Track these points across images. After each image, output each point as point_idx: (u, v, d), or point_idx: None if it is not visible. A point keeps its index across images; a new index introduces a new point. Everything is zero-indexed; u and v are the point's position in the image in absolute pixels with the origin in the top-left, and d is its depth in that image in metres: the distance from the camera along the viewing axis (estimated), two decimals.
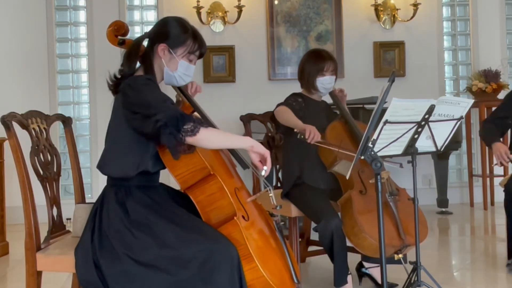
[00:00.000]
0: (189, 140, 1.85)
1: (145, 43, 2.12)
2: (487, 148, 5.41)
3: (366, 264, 3.00)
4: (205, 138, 1.88)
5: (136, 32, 5.38)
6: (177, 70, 2.07)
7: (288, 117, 2.81)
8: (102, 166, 2.02)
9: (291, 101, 2.94)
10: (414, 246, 2.52)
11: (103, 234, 1.92)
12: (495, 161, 3.18)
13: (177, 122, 1.83)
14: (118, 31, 2.13)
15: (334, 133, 2.86)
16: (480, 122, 5.40)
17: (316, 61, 2.97)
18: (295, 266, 2.02)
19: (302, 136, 2.67)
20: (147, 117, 1.85)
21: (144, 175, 1.99)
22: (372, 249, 2.56)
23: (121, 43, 2.14)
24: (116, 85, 2.02)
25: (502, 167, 5.38)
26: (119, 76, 2.03)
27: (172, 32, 2.05)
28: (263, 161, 1.96)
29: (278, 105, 2.94)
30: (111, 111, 2.05)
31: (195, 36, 2.08)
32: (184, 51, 2.06)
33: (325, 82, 2.96)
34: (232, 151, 2.17)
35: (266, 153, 1.95)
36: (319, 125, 2.83)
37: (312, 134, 2.66)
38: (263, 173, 1.95)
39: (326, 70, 2.95)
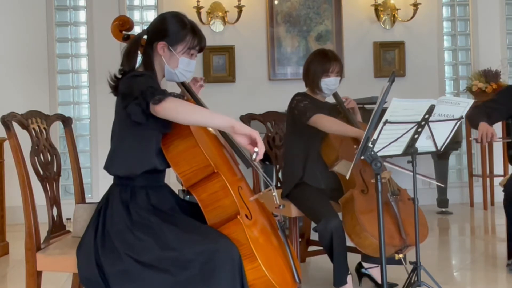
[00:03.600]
0: (156, 109, 1.79)
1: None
2: (487, 148, 5.43)
3: (365, 265, 3.00)
4: (172, 108, 1.79)
5: (136, 32, 5.35)
6: (178, 67, 2.05)
7: (345, 128, 2.74)
8: (108, 166, 2.01)
9: (309, 105, 2.88)
10: (414, 246, 2.52)
11: (105, 233, 1.92)
12: (473, 136, 3.17)
13: (146, 93, 1.80)
14: (123, 26, 2.12)
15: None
16: None
17: (322, 62, 2.96)
18: (297, 265, 2.02)
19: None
20: (130, 101, 1.84)
21: (150, 174, 1.98)
22: (373, 248, 2.56)
23: (126, 38, 2.13)
24: (117, 86, 2.00)
25: (502, 167, 5.41)
26: (119, 76, 2.01)
27: (170, 29, 2.02)
28: (252, 143, 1.81)
29: (307, 113, 2.83)
30: (112, 111, 2.04)
31: (194, 31, 2.05)
32: (184, 48, 2.04)
33: (329, 83, 2.95)
34: (235, 149, 2.16)
35: (253, 132, 1.80)
36: None
37: None
38: (254, 156, 1.78)
39: (332, 71, 2.94)
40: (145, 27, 2.12)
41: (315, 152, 2.88)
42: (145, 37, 2.08)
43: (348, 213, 2.63)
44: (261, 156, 1.80)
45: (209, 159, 1.91)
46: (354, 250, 2.78)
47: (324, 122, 2.81)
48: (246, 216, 1.92)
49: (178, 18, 2.06)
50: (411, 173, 2.45)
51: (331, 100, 3.10)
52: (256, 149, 1.78)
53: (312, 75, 2.98)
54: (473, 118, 3.31)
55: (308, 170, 2.90)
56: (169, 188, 2.13)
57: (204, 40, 2.09)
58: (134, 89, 1.84)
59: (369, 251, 2.61)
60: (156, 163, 1.96)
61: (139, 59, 2.06)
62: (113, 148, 2.01)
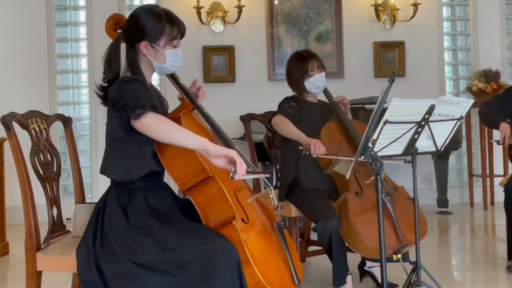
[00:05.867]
0: (135, 124, 1.79)
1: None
2: (487, 148, 5.43)
3: (368, 263, 3.00)
4: (150, 125, 1.78)
5: None
6: (166, 61, 2.02)
7: (290, 131, 2.78)
8: (105, 170, 2.00)
9: (286, 108, 2.90)
10: (412, 245, 2.52)
11: (104, 235, 1.91)
12: (495, 138, 3.18)
13: (127, 106, 1.78)
14: (117, 24, 2.07)
15: (329, 134, 2.85)
16: (480, 122, 5.41)
17: (299, 64, 2.96)
18: (296, 266, 2.01)
19: (308, 152, 2.65)
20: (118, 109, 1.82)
21: (148, 176, 1.97)
22: (369, 251, 2.56)
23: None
24: (106, 95, 1.97)
25: (502, 167, 5.41)
26: (105, 85, 1.98)
27: (147, 26, 1.97)
28: (231, 162, 1.77)
29: (275, 114, 2.91)
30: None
31: (171, 21, 2.00)
32: (166, 40, 1.99)
33: (315, 82, 2.94)
34: (233, 149, 2.14)
35: (230, 152, 1.77)
36: (314, 127, 2.83)
37: (317, 149, 2.64)
38: (231, 174, 1.74)
39: (312, 69, 2.94)
40: None
41: (309, 155, 2.86)
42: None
43: (343, 217, 2.62)
44: (240, 175, 1.75)
45: (204, 163, 1.89)
46: (353, 250, 2.78)
47: (277, 125, 2.86)
48: (242, 219, 1.91)
49: (151, 12, 2.00)
50: (400, 163, 2.44)
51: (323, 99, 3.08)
52: (232, 169, 1.74)
53: (294, 80, 2.98)
54: (490, 118, 3.30)
55: (303, 173, 2.89)
56: (169, 188, 2.12)
57: (183, 25, 2.04)
58: (122, 97, 1.82)
59: (366, 254, 2.61)
60: (153, 166, 1.95)
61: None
62: (108, 154, 2.00)
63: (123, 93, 1.84)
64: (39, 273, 2.06)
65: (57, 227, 2.25)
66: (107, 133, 2.01)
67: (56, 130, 5.22)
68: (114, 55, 1.99)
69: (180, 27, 2.03)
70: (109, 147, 2.00)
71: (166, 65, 2.03)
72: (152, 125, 1.79)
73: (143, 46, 1.98)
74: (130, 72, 2.00)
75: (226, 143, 2.13)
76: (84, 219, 2.10)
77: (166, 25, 1.99)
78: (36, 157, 2.14)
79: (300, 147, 2.69)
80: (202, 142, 1.79)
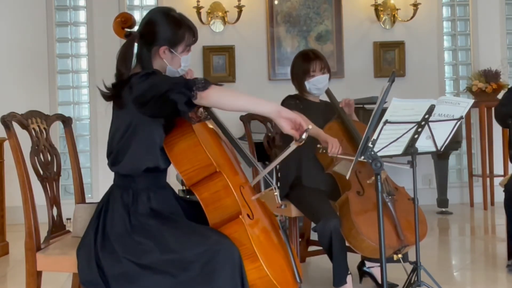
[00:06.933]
0: (203, 94, 1.77)
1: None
2: (487, 148, 5.42)
3: (367, 263, 3.00)
4: (219, 93, 1.79)
5: None
6: (180, 67, 2.04)
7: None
8: (113, 164, 1.98)
9: (291, 105, 2.90)
10: (413, 245, 2.52)
11: (105, 235, 1.91)
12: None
13: (187, 83, 1.78)
14: (125, 23, 2.06)
15: (331, 134, 2.84)
16: (480, 122, 5.41)
17: (302, 64, 2.95)
18: (298, 265, 2.01)
19: (324, 151, 2.63)
20: (160, 97, 1.80)
21: (152, 173, 1.97)
22: (370, 251, 2.56)
23: (128, 36, 2.11)
24: (118, 94, 1.93)
25: (502, 167, 5.41)
26: (116, 83, 1.95)
27: (167, 32, 1.98)
28: (295, 127, 1.77)
29: None
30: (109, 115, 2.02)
31: (189, 27, 2.02)
32: (184, 47, 2.02)
33: (316, 83, 2.94)
34: (238, 148, 2.15)
35: (298, 117, 1.77)
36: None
37: (334, 148, 2.61)
38: (304, 136, 1.75)
39: (314, 70, 2.93)
40: None
41: (309, 154, 2.86)
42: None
43: (344, 216, 2.62)
44: (304, 140, 1.77)
45: (211, 158, 1.90)
46: (354, 250, 2.78)
47: None
48: (248, 215, 1.92)
49: (169, 17, 2.01)
50: (402, 167, 2.44)
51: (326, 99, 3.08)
52: (304, 136, 1.76)
53: (296, 79, 2.98)
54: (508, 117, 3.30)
55: (305, 172, 2.89)
56: (171, 188, 2.12)
57: (196, 30, 2.06)
58: (160, 85, 1.81)
59: (366, 253, 2.61)
60: (159, 160, 1.95)
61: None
62: (118, 148, 1.97)
63: (162, 80, 1.84)
64: (39, 273, 2.06)
65: (57, 227, 2.25)
66: (115, 130, 1.98)
67: (56, 130, 5.22)
68: (128, 54, 1.98)
69: (196, 33, 2.06)
70: (117, 142, 1.97)
71: (179, 69, 2.05)
72: (220, 93, 1.80)
73: (162, 51, 1.99)
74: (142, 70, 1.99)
75: (232, 141, 2.14)
76: (84, 219, 2.10)
77: (186, 31, 2.01)
78: (36, 157, 2.14)
79: (318, 145, 2.67)
80: (273, 105, 1.80)
